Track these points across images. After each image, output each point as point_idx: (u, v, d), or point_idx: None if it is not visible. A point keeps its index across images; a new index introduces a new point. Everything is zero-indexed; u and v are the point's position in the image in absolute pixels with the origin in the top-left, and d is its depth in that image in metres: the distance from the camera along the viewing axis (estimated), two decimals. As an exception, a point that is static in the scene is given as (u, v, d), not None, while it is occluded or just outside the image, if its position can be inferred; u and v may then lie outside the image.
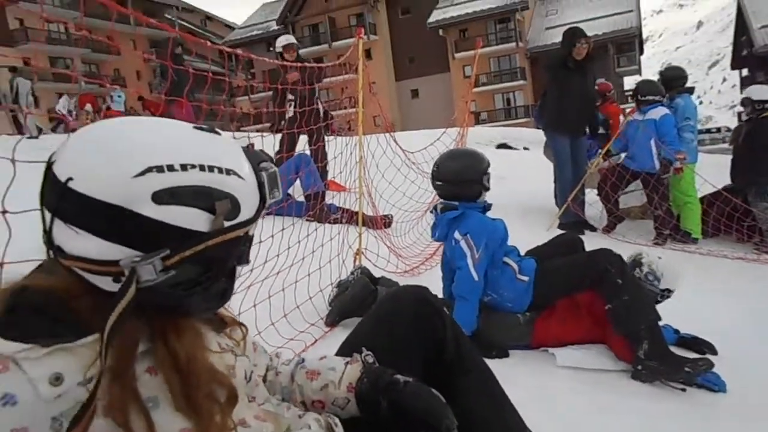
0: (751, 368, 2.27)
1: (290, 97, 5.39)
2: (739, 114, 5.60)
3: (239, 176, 0.73)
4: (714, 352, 2.34)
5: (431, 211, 2.58)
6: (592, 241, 2.44)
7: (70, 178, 0.66)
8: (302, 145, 5.43)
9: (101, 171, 0.66)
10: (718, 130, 14.52)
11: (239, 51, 2.63)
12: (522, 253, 2.48)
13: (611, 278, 2.14)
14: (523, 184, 6.50)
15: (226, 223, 0.71)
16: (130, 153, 0.68)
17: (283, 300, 2.57)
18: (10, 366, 0.61)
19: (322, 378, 1.01)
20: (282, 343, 2.32)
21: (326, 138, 4.42)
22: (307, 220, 3.39)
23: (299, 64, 4.02)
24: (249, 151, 0.80)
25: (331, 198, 4.46)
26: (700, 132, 13.78)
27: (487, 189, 2.43)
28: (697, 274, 3.57)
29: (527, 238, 2.71)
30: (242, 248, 0.77)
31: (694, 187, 4.94)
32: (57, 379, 0.63)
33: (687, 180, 4.89)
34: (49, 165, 0.69)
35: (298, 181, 4.64)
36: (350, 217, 3.98)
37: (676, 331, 2.47)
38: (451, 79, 32.72)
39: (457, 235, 2.32)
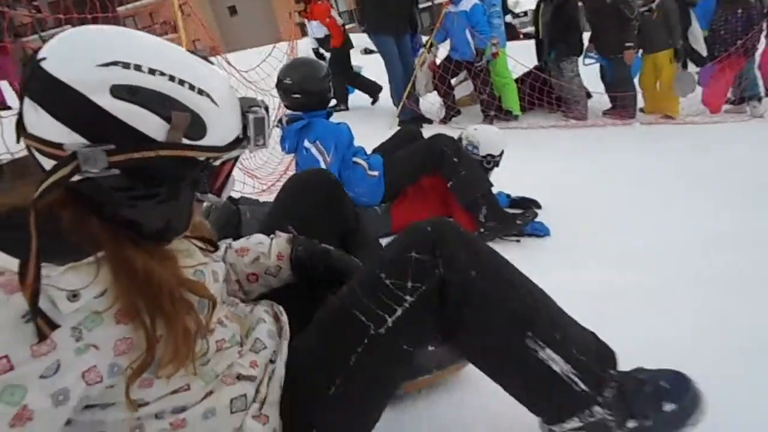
0: (566, 212, 2.73)
1: None
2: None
3: (212, 100, 0.72)
4: (539, 206, 2.76)
5: (277, 125, 2.61)
6: (430, 132, 2.67)
7: (44, 58, 0.66)
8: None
9: (71, 55, 0.67)
10: (525, 14, 15.59)
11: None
12: (369, 152, 2.65)
13: (448, 158, 2.39)
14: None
15: (185, 141, 0.70)
16: (104, 46, 0.68)
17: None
18: None
19: (252, 252, 1.10)
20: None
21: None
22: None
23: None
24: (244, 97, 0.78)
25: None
26: (515, 16, 14.75)
27: (329, 94, 2.52)
28: (521, 145, 4.02)
29: (372, 139, 2.87)
30: (199, 174, 0.75)
31: (508, 68, 5.40)
32: (75, 296, 0.66)
33: (501, 63, 5.33)
34: (36, 51, 0.69)
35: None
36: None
37: (508, 196, 2.86)
38: (269, -8, 31.00)
39: (306, 143, 2.40)
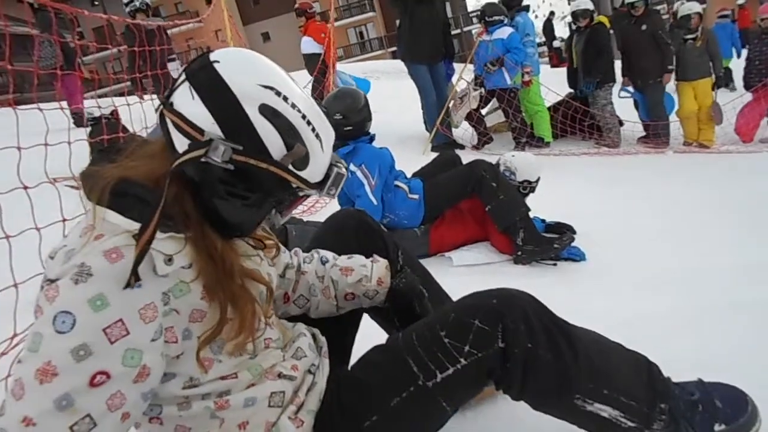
0: (600, 238, 2.78)
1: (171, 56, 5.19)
2: (569, 24, 6.18)
3: (322, 147, 0.88)
4: (573, 232, 2.81)
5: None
6: (463, 158, 2.77)
7: (217, 61, 0.82)
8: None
9: (242, 68, 0.83)
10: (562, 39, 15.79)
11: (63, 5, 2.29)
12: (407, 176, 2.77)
13: (487, 183, 2.48)
14: (394, 116, 6.72)
15: (290, 167, 0.83)
16: (268, 73, 0.85)
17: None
18: (132, 251, 0.73)
19: (356, 273, 1.18)
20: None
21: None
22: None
23: (145, 22, 3.83)
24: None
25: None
26: (540, 45, 14.85)
27: (370, 120, 2.65)
28: (553, 172, 4.06)
29: (406, 164, 2.97)
30: (287, 197, 0.89)
31: (540, 96, 5.50)
32: (170, 260, 0.77)
33: (534, 91, 5.44)
34: (207, 51, 0.85)
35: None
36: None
37: (543, 221, 2.91)
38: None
39: (352, 167, 2.52)
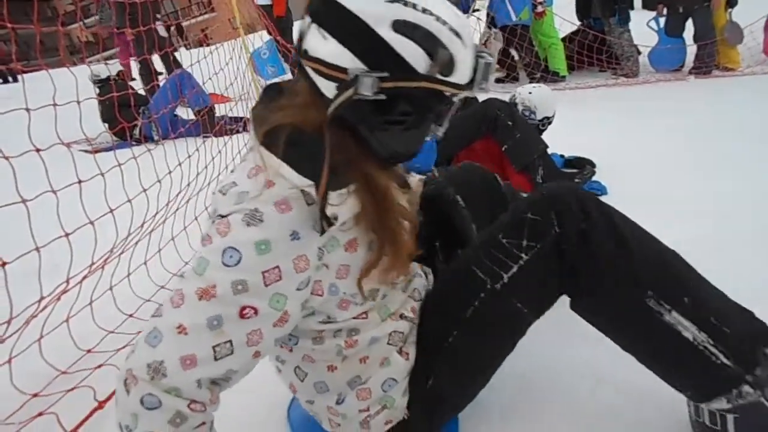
0: (622, 171, 2.72)
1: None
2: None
3: (464, 43, 0.80)
4: (594, 166, 2.76)
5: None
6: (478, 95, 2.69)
7: None
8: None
9: None
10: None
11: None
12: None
13: (502, 122, 2.41)
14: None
15: (439, 77, 0.78)
16: None
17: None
18: (300, 205, 0.77)
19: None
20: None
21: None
22: (204, 137, 3.37)
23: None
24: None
25: (228, 111, 4.41)
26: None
27: None
28: (571, 105, 3.99)
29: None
30: (444, 107, 0.86)
31: (555, 28, 5.29)
32: (335, 218, 0.79)
33: (548, 22, 5.23)
34: None
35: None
36: (247, 125, 3.97)
37: (562, 156, 2.86)
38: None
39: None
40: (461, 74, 0.81)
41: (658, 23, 5.23)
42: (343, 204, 0.81)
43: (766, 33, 5.20)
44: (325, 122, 0.78)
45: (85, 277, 1.93)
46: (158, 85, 4.65)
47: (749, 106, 3.80)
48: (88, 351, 1.73)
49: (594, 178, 2.53)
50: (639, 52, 5.37)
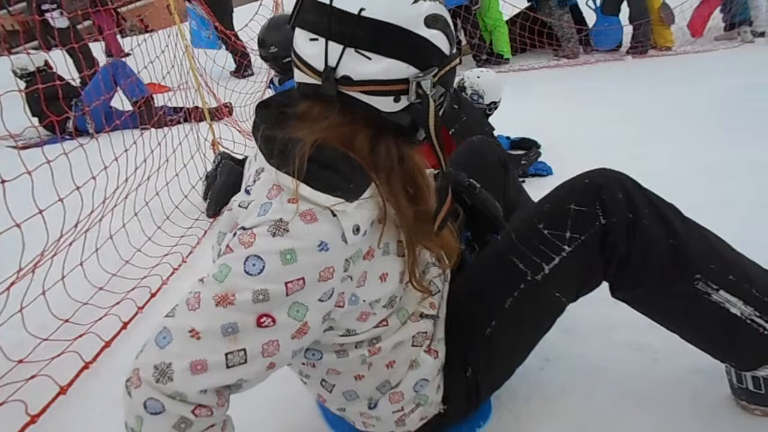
0: (567, 151, 2.77)
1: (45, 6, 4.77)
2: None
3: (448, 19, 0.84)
4: (539, 146, 2.79)
5: (269, 87, 2.60)
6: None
7: (362, 9, 0.74)
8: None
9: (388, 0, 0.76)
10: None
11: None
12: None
13: (448, 105, 2.40)
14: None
15: (455, 53, 0.82)
16: None
17: (161, 205, 2.59)
18: (326, 216, 0.74)
19: None
20: (174, 242, 2.37)
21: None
22: (142, 129, 3.22)
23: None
24: None
25: (167, 100, 4.23)
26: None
27: None
28: (515, 88, 4.02)
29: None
30: (454, 77, 0.88)
31: (500, 10, 5.33)
32: (357, 230, 0.76)
33: (493, 6, 5.26)
34: (329, 5, 0.75)
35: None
36: (189, 115, 3.83)
37: (508, 138, 2.88)
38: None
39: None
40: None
41: (595, 2, 5.35)
42: (360, 213, 0.78)
43: (693, 14, 5.40)
44: (378, 135, 0.80)
45: (12, 284, 1.81)
46: (90, 77, 4.42)
47: (682, 83, 3.95)
48: (20, 361, 1.62)
49: (540, 159, 2.56)
50: (579, 32, 5.47)
